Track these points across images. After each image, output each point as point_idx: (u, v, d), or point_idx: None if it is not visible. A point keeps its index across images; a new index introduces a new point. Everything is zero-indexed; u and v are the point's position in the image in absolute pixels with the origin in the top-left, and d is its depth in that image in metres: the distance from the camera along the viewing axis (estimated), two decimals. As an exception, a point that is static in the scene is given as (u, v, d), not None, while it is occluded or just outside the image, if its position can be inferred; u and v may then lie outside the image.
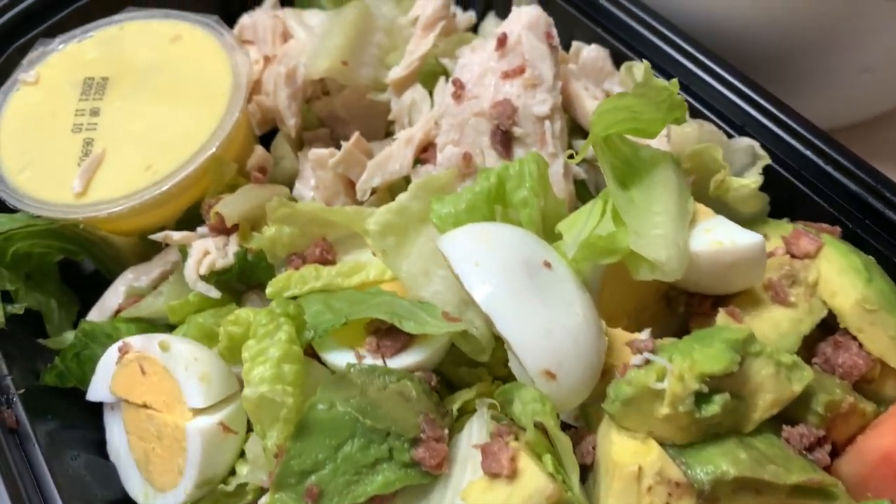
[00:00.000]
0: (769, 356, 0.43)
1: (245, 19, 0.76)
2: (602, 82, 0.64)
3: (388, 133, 0.72)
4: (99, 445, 0.57)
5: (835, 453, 0.47)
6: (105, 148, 0.61)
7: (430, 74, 0.70)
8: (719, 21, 0.64)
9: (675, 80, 0.47)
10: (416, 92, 0.68)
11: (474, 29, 0.78)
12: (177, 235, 0.59)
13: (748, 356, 0.43)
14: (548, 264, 0.46)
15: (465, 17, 0.77)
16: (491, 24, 0.76)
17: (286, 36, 0.73)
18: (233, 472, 0.51)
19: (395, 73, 0.69)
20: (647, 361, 0.42)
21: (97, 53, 0.68)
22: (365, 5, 0.73)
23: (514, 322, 0.43)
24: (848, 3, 0.60)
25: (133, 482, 0.54)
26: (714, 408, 0.41)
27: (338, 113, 0.73)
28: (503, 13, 0.75)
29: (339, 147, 0.67)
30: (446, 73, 0.69)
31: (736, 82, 0.57)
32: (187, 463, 0.49)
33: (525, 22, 0.58)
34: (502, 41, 0.58)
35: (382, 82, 0.70)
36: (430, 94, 0.69)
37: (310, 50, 0.69)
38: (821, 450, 0.44)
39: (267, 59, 0.73)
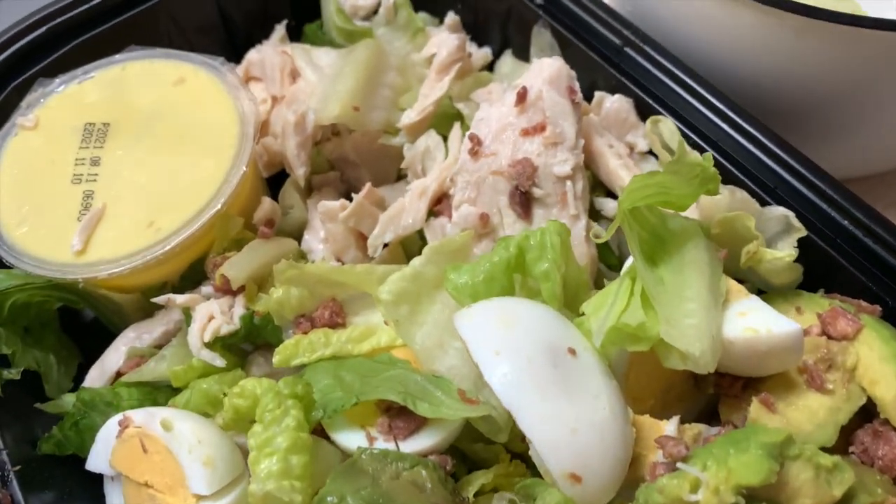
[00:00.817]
0: (808, 459, 0.41)
1: (252, 55, 0.74)
2: (625, 135, 0.61)
3: (399, 176, 0.70)
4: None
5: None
6: (106, 202, 0.59)
7: (444, 117, 0.68)
8: (747, 73, 0.61)
9: (708, 155, 0.45)
10: (430, 138, 0.65)
11: (490, 66, 0.76)
12: (180, 299, 0.56)
13: (786, 459, 0.40)
14: (573, 351, 0.44)
15: (481, 55, 0.75)
16: (507, 62, 0.73)
17: (294, 74, 0.71)
18: (239, 559, 0.49)
19: (408, 117, 0.66)
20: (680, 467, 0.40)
21: (98, 96, 0.65)
22: (377, 44, 0.71)
23: (537, 420, 0.41)
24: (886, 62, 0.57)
25: None
26: (750, 520, 0.38)
27: (348, 156, 0.70)
28: (519, 51, 0.72)
29: (349, 192, 0.65)
30: (461, 117, 0.67)
31: (769, 143, 0.54)
32: (190, 558, 0.47)
33: (546, 76, 0.56)
34: (522, 96, 0.55)
35: (394, 125, 0.68)
36: (445, 138, 0.66)
37: (320, 93, 0.66)
38: (851, 558, 0.42)
39: (275, 99, 0.71)
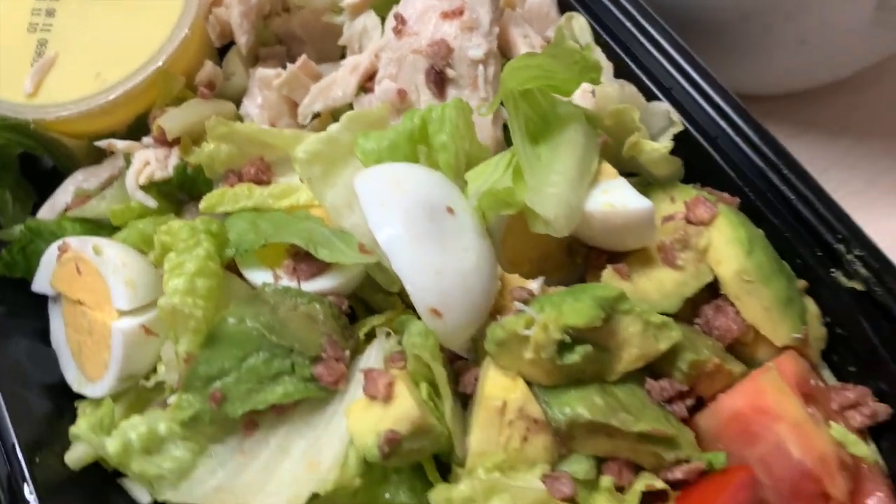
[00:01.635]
0: (638, 315, 0.47)
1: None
2: (546, 29, 0.65)
3: (343, 56, 0.74)
4: (43, 334, 0.62)
5: (701, 407, 0.52)
6: (58, 51, 0.64)
7: (382, 4, 0.71)
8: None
9: (589, 44, 0.49)
10: (369, 18, 0.69)
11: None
12: (120, 144, 0.62)
13: (617, 313, 0.47)
14: (451, 210, 0.50)
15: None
16: None
17: (250, -54, 0.74)
18: (155, 371, 0.56)
19: (348, -2, 0.70)
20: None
21: None
22: (327, -78, 0.73)
23: (407, 263, 0.47)
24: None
25: (69, 370, 0.58)
26: (574, 357, 0.45)
27: (295, 32, 0.74)
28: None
29: None
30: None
31: (666, 45, 0.59)
32: (111, 358, 0.54)
33: (469, -35, 0.59)
34: (445, -21, 0.59)
35: (339, 5, 0.71)
36: (384, 20, 0.70)
37: (269, -34, 0.70)
38: (679, 403, 0.49)
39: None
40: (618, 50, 0.60)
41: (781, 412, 0.46)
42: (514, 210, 0.49)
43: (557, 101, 0.53)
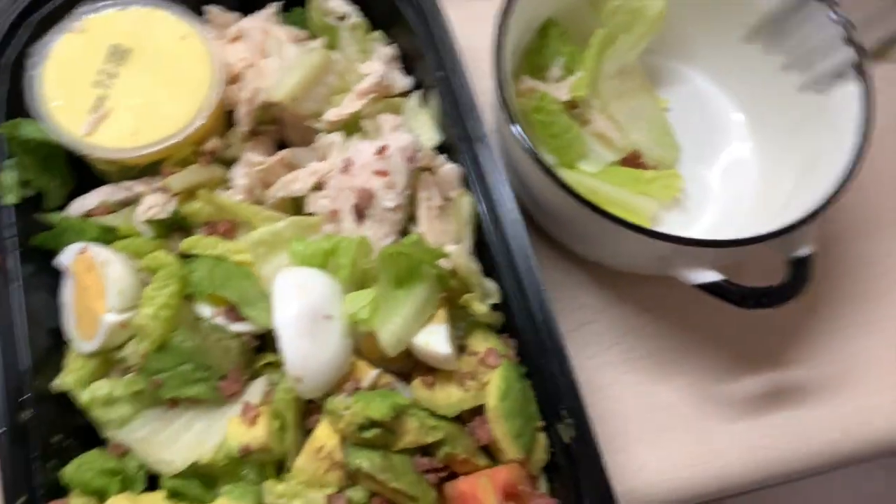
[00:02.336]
0: (418, 417, 0.76)
1: (245, 22, 1.01)
2: (448, 191, 0.92)
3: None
4: (55, 292, 0.87)
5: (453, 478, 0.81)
6: (112, 107, 0.89)
7: (352, 124, 0.98)
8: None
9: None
10: (336, 136, 0.96)
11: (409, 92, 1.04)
12: (137, 188, 0.89)
13: (405, 413, 0.75)
14: (329, 317, 0.78)
15: (402, 83, 1.02)
16: (414, 100, 1.01)
17: (265, 53, 0.99)
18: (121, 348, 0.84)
19: (328, 116, 0.96)
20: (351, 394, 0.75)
21: (129, 27, 0.91)
22: (327, 53, 0.98)
23: (287, 344, 0.74)
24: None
25: (69, 326, 0.84)
26: (368, 434, 0.74)
27: (286, 120, 1.01)
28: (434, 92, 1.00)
29: (282, 141, 0.97)
30: (361, 130, 0.97)
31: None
32: (97, 335, 0.81)
33: (401, 145, 0.86)
34: (382, 151, 0.86)
35: (320, 114, 0.98)
36: (350, 133, 0.97)
37: (273, 78, 0.95)
38: (433, 475, 0.77)
39: (248, 64, 0.99)
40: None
41: (484, 501, 0.75)
42: (369, 330, 0.77)
43: (419, 262, 0.80)
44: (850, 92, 0.90)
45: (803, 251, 0.85)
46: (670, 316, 1.01)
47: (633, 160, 1.06)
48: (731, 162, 1.08)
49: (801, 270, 0.84)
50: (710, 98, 1.12)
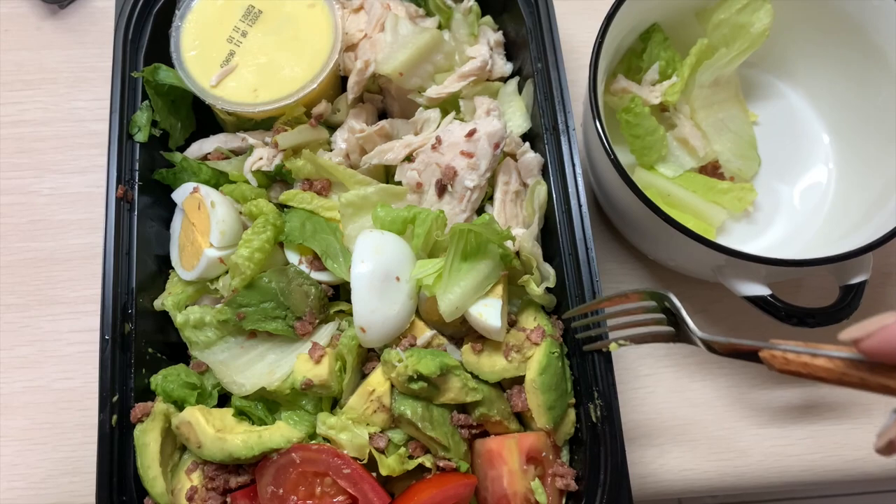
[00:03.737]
0: (461, 378, 0.85)
1: (368, -1, 1.11)
2: (528, 177, 0.99)
3: (414, 117, 1.09)
4: (168, 222, 1.02)
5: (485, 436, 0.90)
6: (238, 63, 1.00)
7: (450, 102, 1.06)
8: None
9: (507, 231, 0.85)
10: (434, 112, 1.04)
11: (508, 78, 1.11)
12: (250, 140, 1.00)
13: (451, 372, 0.84)
14: (398, 279, 0.87)
15: (502, 68, 1.10)
16: (512, 85, 1.08)
17: (382, 27, 1.08)
18: (216, 280, 0.96)
19: (430, 93, 1.04)
20: (406, 349, 0.85)
21: None
22: (438, 34, 1.06)
23: (358, 297, 0.84)
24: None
25: (173, 255, 0.97)
26: (415, 386, 0.83)
27: (391, 90, 1.10)
28: (530, 82, 1.06)
29: (384, 111, 1.07)
30: (457, 109, 1.05)
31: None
32: (198, 265, 0.93)
33: (489, 129, 0.93)
34: (471, 133, 0.94)
35: (423, 89, 1.06)
36: (446, 112, 1.05)
37: (385, 53, 1.04)
38: (466, 430, 0.86)
39: (364, 35, 1.09)
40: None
41: (507, 461, 0.84)
42: (432, 294, 0.86)
43: (487, 241, 0.89)
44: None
45: (856, 279, 0.88)
46: (720, 321, 1.06)
47: (711, 169, 1.09)
48: (809, 182, 1.10)
49: (850, 297, 0.87)
50: (802, 117, 1.14)
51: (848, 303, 0.86)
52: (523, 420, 0.90)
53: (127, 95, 0.98)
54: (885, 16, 0.93)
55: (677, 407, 1.03)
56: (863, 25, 0.97)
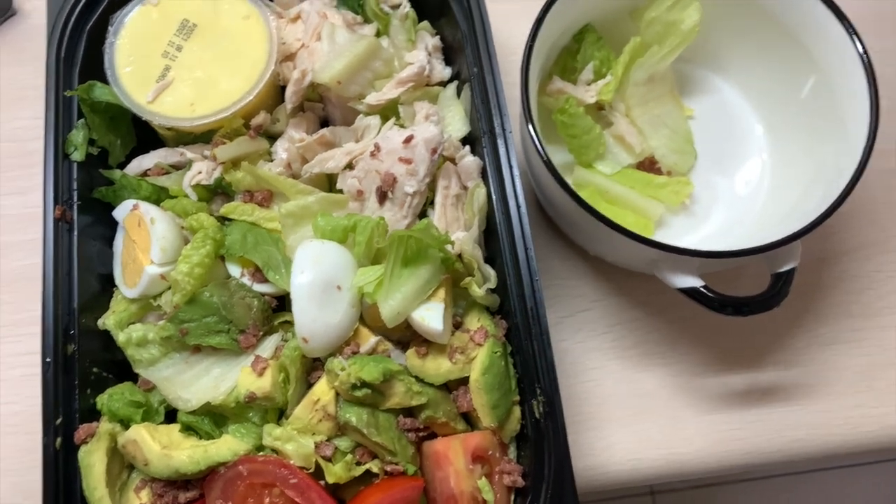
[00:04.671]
0: (406, 382, 0.86)
1: (305, 5, 1.11)
2: (468, 180, 1.01)
3: (354, 124, 1.10)
4: (111, 241, 1.01)
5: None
6: (174, 78, 1.00)
7: (390, 108, 1.07)
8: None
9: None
10: (374, 119, 1.05)
11: (447, 82, 1.12)
12: (189, 154, 1.00)
13: (395, 377, 0.85)
14: (339, 287, 0.88)
15: (441, 73, 1.11)
16: (451, 90, 1.09)
17: (319, 36, 1.09)
18: (159, 297, 0.96)
19: (369, 100, 1.05)
20: (349, 357, 0.86)
21: (198, 3, 1.01)
22: (376, 41, 1.07)
23: (299, 307, 0.84)
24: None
25: (116, 273, 0.98)
26: (359, 393, 0.84)
27: (331, 99, 1.10)
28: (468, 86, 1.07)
29: (326, 119, 1.07)
30: (397, 115, 1.06)
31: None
32: (139, 284, 0.93)
33: (425, 136, 0.94)
34: (408, 140, 0.95)
35: (364, 97, 1.07)
36: (386, 118, 1.06)
37: (322, 61, 1.04)
38: (412, 433, 0.87)
39: (302, 45, 1.09)
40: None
41: (453, 461, 0.85)
42: (372, 302, 0.87)
43: (427, 246, 0.90)
44: (860, 101, 0.93)
45: (786, 266, 0.90)
46: (662, 312, 1.08)
47: (648, 164, 1.12)
48: (745, 173, 1.13)
49: (780, 284, 0.90)
50: (736, 109, 1.16)
51: (778, 290, 0.89)
52: (470, 420, 0.92)
53: (62, 114, 0.97)
54: (799, 8, 0.96)
55: (624, 397, 1.05)
56: (781, 18, 1.00)
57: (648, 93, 1.11)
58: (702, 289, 0.88)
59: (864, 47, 0.92)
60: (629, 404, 1.04)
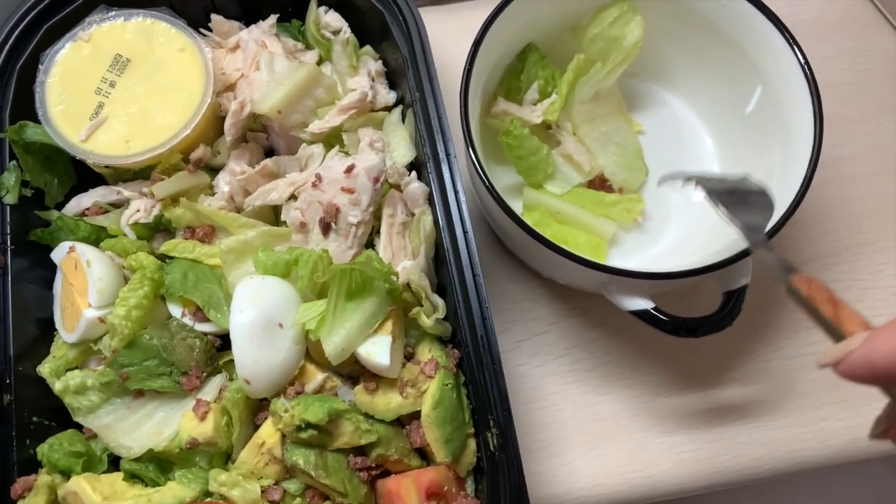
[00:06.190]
0: (353, 421, 0.83)
1: (244, 34, 1.09)
2: (415, 207, 0.99)
3: (299, 153, 1.08)
4: (51, 284, 0.98)
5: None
6: (108, 115, 0.97)
7: (334, 136, 1.05)
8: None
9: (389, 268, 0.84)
10: (317, 148, 1.03)
11: (392, 107, 1.10)
12: (126, 193, 0.97)
13: (341, 417, 0.83)
14: (281, 325, 0.85)
15: (385, 97, 1.09)
16: (395, 116, 1.08)
17: (258, 65, 1.07)
18: (98, 340, 0.93)
19: (311, 128, 1.03)
20: (294, 397, 0.83)
21: (131, 37, 0.99)
22: (316, 69, 1.06)
23: (239, 347, 0.82)
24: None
25: (57, 316, 0.95)
26: (304, 435, 0.81)
27: (274, 128, 1.08)
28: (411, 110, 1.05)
29: (271, 149, 1.05)
30: (341, 143, 1.04)
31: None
32: (77, 328, 0.91)
33: (367, 165, 0.92)
34: (349, 169, 0.93)
35: (307, 125, 1.05)
36: (332, 145, 1.04)
37: (261, 91, 1.02)
38: (364, 472, 0.85)
39: (241, 74, 1.07)
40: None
41: (406, 499, 0.82)
42: (316, 339, 0.85)
43: (371, 278, 0.87)
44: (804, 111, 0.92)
45: (738, 284, 0.89)
46: (620, 331, 1.06)
47: (599, 182, 1.10)
48: (697, 186, 1.11)
49: (731, 302, 0.88)
50: (685, 123, 1.15)
51: (730, 309, 0.87)
52: (426, 455, 0.89)
53: (-7, 157, 0.95)
54: (737, 15, 0.95)
55: (585, 422, 1.03)
56: (725, 31, 0.99)
57: (595, 110, 1.09)
58: (653, 311, 0.87)
59: (804, 58, 0.91)
60: (590, 428, 1.02)
